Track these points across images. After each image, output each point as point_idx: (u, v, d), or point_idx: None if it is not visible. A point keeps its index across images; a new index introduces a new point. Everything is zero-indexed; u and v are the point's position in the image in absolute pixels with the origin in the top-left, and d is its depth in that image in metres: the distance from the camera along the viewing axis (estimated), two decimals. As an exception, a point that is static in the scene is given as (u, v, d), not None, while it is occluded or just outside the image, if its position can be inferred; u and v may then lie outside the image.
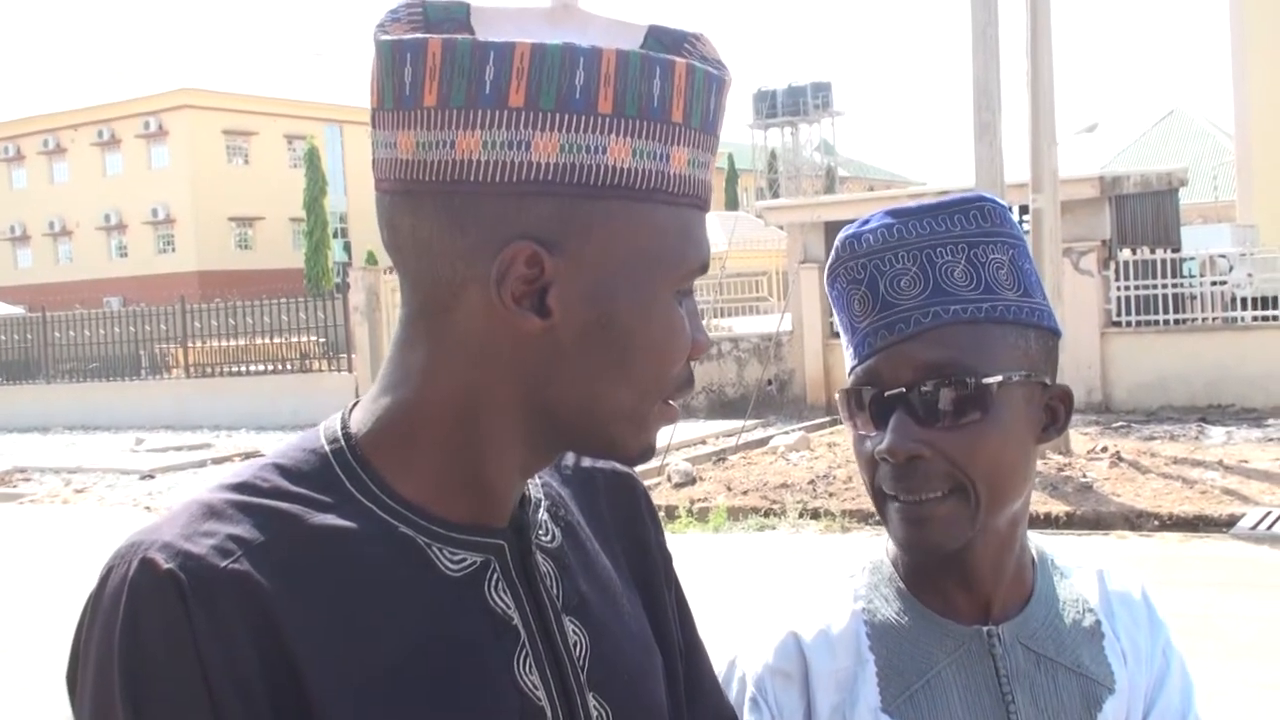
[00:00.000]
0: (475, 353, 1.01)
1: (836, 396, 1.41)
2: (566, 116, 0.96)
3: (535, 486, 1.15)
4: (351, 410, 1.08)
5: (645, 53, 0.98)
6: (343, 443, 1.05)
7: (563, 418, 1.03)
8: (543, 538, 1.12)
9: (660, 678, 1.18)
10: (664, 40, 1.01)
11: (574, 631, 1.09)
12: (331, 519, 1.00)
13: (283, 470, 1.03)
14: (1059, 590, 1.46)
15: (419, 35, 0.96)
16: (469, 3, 0.99)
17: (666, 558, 1.28)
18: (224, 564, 0.94)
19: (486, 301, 0.98)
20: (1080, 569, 1.50)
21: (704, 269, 1.06)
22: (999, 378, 1.31)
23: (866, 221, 1.39)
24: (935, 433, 1.31)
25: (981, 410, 1.31)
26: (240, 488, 1.01)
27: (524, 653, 1.05)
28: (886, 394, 1.33)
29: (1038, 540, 1.51)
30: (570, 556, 1.13)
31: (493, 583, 1.05)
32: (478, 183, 0.96)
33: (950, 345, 1.32)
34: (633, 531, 1.25)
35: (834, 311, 1.43)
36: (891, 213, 1.38)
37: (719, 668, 1.43)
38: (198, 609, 0.92)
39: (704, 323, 1.09)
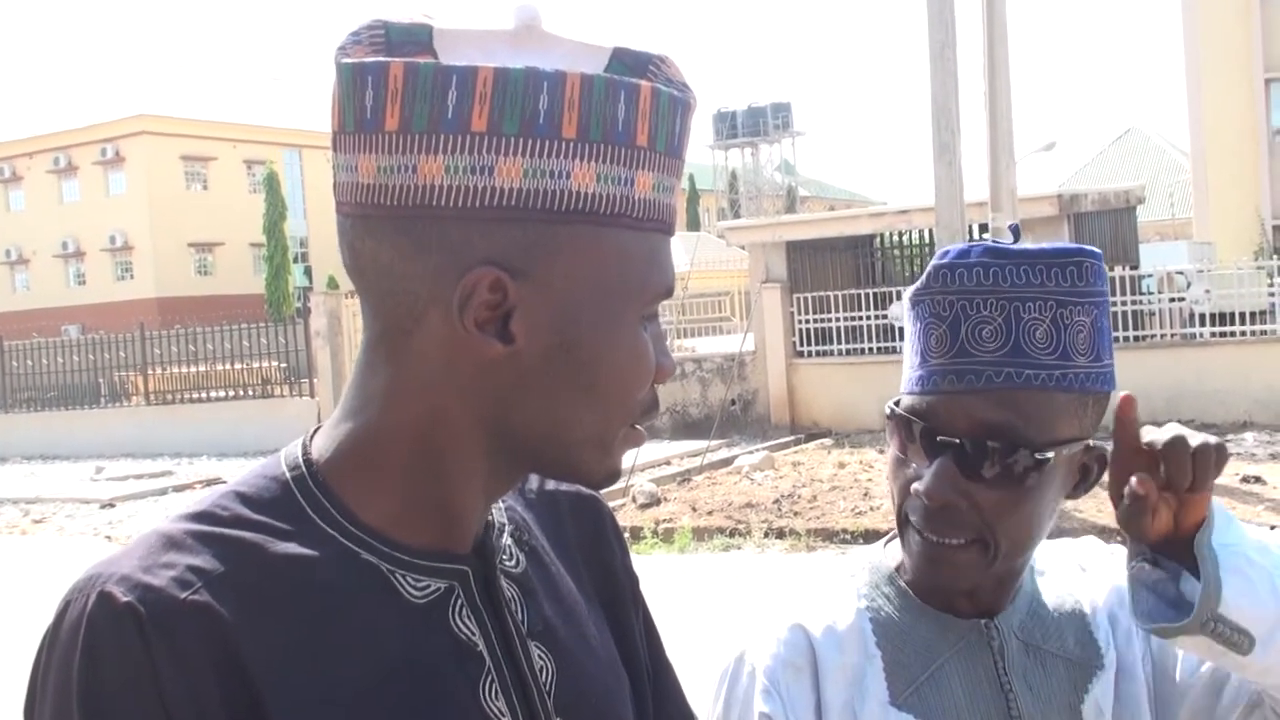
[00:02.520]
0: (437, 377, 1.00)
1: (885, 413, 1.44)
2: (530, 141, 0.95)
3: (499, 511, 1.14)
4: (313, 436, 1.07)
5: (610, 76, 0.97)
6: (304, 469, 1.04)
7: (527, 442, 1.03)
8: (507, 563, 1.11)
9: (628, 701, 1.18)
10: (628, 63, 1.01)
11: (539, 656, 1.09)
12: (293, 547, 0.99)
13: (243, 498, 1.02)
14: (1039, 583, 1.51)
15: (381, 58, 0.96)
16: (432, 25, 0.98)
17: (633, 579, 1.28)
18: (184, 595, 0.93)
19: (449, 326, 0.97)
20: (1051, 562, 1.55)
21: (669, 293, 1.05)
22: (1052, 454, 1.34)
23: (965, 254, 1.39)
24: (975, 486, 1.35)
25: (1027, 479, 1.34)
26: (200, 517, 1.00)
27: (489, 679, 1.04)
28: (939, 438, 1.36)
29: None
30: (535, 581, 1.13)
31: (457, 609, 1.05)
32: (440, 208, 0.95)
33: (1013, 409, 1.34)
34: (598, 554, 1.24)
35: (907, 324, 1.45)
36: (991, 251, 1.38)
37: (724, 663, 1.47)
38: (158, 641, 0.91)
39: (667, 344, 1.09)
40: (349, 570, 1.00)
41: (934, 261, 1.41)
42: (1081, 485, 1.43)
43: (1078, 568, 1.55)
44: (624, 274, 1.00)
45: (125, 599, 0.92)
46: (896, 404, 1.43)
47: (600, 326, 1.00)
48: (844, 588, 1.50)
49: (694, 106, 1.04)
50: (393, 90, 0.94)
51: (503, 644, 1.06)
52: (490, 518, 1.11)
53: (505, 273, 0.96)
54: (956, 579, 1.39)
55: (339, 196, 1.00)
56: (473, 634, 1.05)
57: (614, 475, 1.08)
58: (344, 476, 1.03)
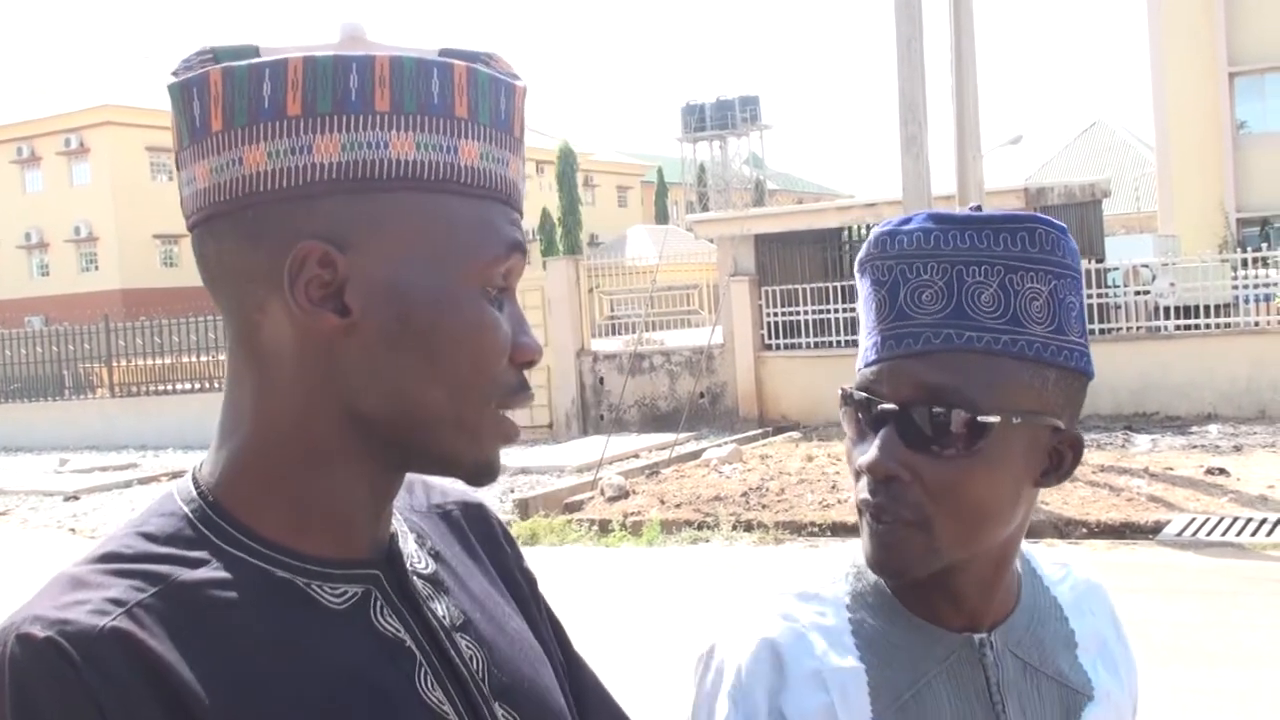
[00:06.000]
0: (292, 369, 1.01)
1: (839, 394, 1.33)
2: (344, 117, 0.98)
3: (399, 520, 1.15)
4: (201, 466, 1.07)
5: (420, 58, 1.00)
6: (199, 500, 1.04)
7: (385, 425, 1.03)
8: (416, 564, 1.12)
9: (557, 687, 1.19)
10: (454, 58, 1.03)
11: (467, 646, 1.10)
12: (205, 573, 0.99)
13: (146, 536, 1.01)
14: (1040, 598, 1.42)
15: (202, 70, 0.99)
16: (258, 46, 1.01)
17: (531, 580, 1.30)
18: (101, 623, 0.92)
19: (288, 310, 0.98)
20: (1058, 575, 1.46)
21: (508, 258, 1.05)
22: (997, 417, 1.23)
23: (907, 221, 1.30)
24: (920, 458, 1.24)
25: (973, 446, 1.23)
26: (105, 558, 0.99)
27: (423, 670, 1.05)
28: (880, 407, 1.26)
29: (1024, 546, 1.44)
30: (447, 579, 1.14)
31: (378, 609, 1.06)
32: (264, 193, 0.98)
33: (957, 372, 1.23)
34: (497, 558, 1.26)
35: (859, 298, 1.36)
36: (934, 217, 1.29)
37: (699, 650, 1.40)
38: (87, 667, 0.90)
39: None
40: (265, 588, 1.00)
41: (875, 230, 1.33)
42: (1053, 473, 1.30)
43: (1070, 586, 1.45)
44: (453, 239, 1.01)
45: (43, 634, 0.91)
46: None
47: (434, 293, 1.01)
48: (826, 594, 1.38)
49: (521, 90, 1.07)
50: (214, 95, 0.98)
51: (429, 638, 1.08)
52: (392, 528, 1.12)
53: (332, 245, 0.98)
54: (905, 564, 1.27)
55: (185, 213, 1.02)
56: (398, 630, 1.06)
57: (486, 467, 1.07)
58: (237, 499, 1.03)
